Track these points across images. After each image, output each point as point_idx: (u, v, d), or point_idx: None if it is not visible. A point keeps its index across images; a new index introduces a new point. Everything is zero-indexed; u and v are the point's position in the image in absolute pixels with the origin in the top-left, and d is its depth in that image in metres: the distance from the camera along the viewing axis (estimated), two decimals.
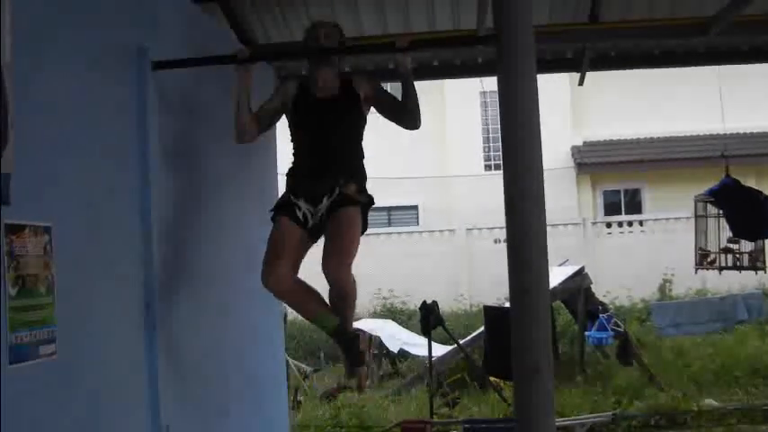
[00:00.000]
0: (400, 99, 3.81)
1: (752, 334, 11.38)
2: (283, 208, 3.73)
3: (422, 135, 17.88)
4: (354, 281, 3.65)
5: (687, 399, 7.88)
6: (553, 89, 15.05)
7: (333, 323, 3.68)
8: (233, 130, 3.78)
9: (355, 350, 3.70)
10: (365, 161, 3.87)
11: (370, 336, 3.98)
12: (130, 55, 3.42)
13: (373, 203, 3.81)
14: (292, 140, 3.88)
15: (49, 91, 2.75)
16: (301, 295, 3.70)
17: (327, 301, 3.68)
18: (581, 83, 6.49)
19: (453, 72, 6.57)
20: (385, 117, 3.87)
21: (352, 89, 3.81)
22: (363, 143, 3.87)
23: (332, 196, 3.65)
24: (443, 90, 18.20)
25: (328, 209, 3.65)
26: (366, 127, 3.88)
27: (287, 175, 3.83)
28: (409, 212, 19.13)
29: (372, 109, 3.89)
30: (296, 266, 3.70)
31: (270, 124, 3.96)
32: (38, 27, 2.66)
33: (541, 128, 3.09)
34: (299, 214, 3.67)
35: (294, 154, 3.86)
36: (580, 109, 18.51)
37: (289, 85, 3.91)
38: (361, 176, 3.82)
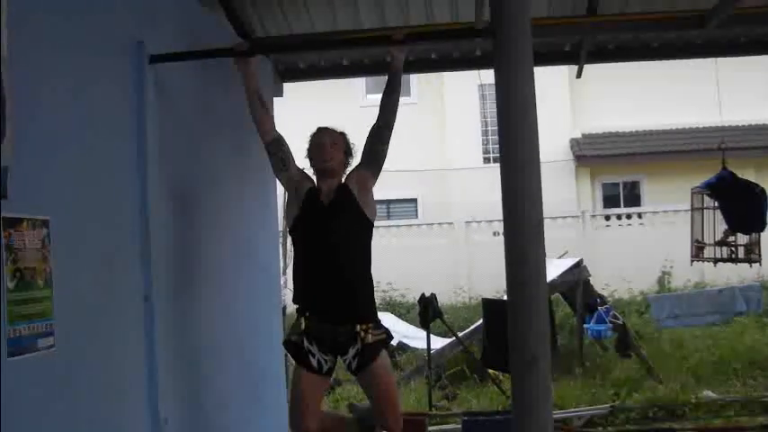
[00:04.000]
0: (384, 91, 3.70)
1: (750, 326, 11.41)
2: (298, 355, 3.68)
3: (420, 128, 18.05)
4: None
5: (685, 391, 7.88)
6: (552, 82, 15.03)
7: None
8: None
9: None
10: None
11: None
12: (128, 48, 3.40)
13: (392, 338, 3.78)
14: (294, 247, 3.77)
15: (47, 84, 2.74)
16: None
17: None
18: (579, 75, 6.49)
19: (451, 65, 6.58)
20: (374, 141, 3.71)
21: (345, 188, 3.70)
22: (371, 255, 3.72)
23: (355, 347, 3.59)
24: (442, 83, 18.19)
25: (355, 360, 3.62)
26: (372, 234, 3.73)
27: (294, 300, 3.72)
28: (408, 205, 19.12)
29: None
30: (319, 408, 3.81)
31: (282, 158, 3.77)
32: (35, 20, 2.65)
33: (540, 120, 3.09)
34: (314, 362, 3.65)
35: (296, 270, 3.73)
36: (579, 101, 18.48)
37: (306, 180, 3.79)
38: (373, 308, 3.74)
